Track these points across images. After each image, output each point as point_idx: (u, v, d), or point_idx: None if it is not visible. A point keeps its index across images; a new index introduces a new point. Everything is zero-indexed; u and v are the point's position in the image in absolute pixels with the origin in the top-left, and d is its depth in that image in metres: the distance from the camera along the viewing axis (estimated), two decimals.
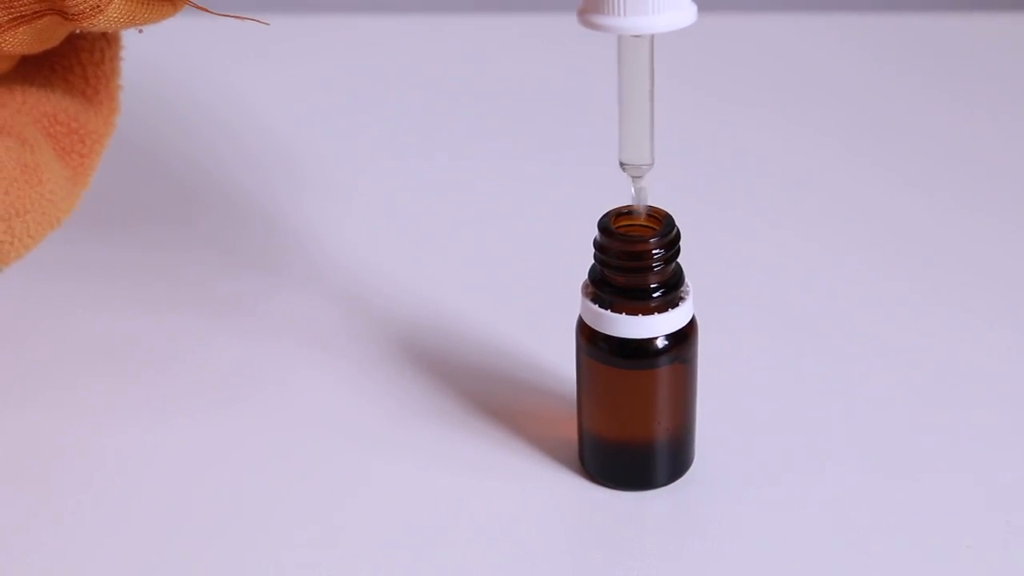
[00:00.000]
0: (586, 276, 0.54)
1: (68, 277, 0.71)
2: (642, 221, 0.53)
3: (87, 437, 0.60)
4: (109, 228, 0.75)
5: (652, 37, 0.51)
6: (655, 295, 0.53)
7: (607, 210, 0.54)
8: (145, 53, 0.70)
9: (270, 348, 0.65)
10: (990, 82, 0.90)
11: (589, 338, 0.54)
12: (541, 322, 0.64)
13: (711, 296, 0.59)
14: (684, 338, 0.54)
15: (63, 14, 0.52)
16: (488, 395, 0.61)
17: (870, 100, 0.88)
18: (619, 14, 0.49)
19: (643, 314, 0.53)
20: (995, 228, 0.74)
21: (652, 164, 0.53)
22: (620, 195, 0.54)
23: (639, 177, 0.53)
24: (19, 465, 0.59)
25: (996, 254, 0.72)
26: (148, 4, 0.53)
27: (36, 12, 0.53)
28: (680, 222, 0.53)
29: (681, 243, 0.53)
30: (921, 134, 0.84)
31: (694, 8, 0.50)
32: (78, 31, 0.59)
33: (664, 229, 0.53)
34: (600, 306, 0.53)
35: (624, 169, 0.53)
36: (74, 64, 0.62)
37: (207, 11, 0.54)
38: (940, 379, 0.62)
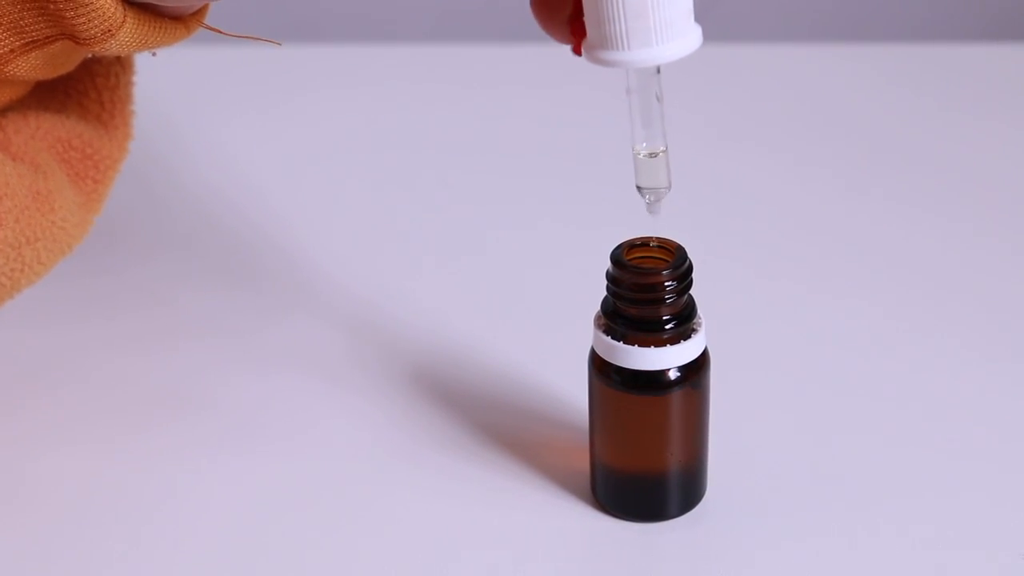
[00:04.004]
0: (599, 308, 0.54)
1: (85, 316, 0.70)
2: (655, 253, 0.53)
3: (121, 479, 0.60)
4: (115, 260, 0.74)
5: (659, 67, 0.50)
6: (667, 327, 0.53)
7: (620, 242, 0.53)
8: (156, 81, 0.70)
9: (284, 382, 0.65)
10: (1005, 112, 0.89)
11: (601, 369, 0.54)
12: (553, 353, 0.64)
13: (723, 328, 0.59)
14: (696, 369, 0.54)
15: (75, 38, 0.52)
16: (500, 426, 0.61)
17: (882, 131, 0.87)
18: (624, 48, 0.48)
19: (655, 346, 0.53)
20: (1011, 260, 0.73)
21: (669, 188, 0.53)
22: (633, 227, 0.53)
23: (656, 201, 0.53)
24: (62, 507, 0.58)
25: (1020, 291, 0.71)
26: (160, 27, 0.53)
27: (48, 37, 0.53)
28: (692, 254, 0.53)
29: (693, 275, 0.53)
30: (938, 166, 0.83)
31: (699, 31, 0.49)
32: (91, 55, 0.59)
33: (676, 261, 0.52)
34: (613, 338, 0.53)
35: (641, 193, 0.53)
36: (89, 89, 0.62)
37: (220, 32, 0.54)
38: (955, 414, 0.62)
